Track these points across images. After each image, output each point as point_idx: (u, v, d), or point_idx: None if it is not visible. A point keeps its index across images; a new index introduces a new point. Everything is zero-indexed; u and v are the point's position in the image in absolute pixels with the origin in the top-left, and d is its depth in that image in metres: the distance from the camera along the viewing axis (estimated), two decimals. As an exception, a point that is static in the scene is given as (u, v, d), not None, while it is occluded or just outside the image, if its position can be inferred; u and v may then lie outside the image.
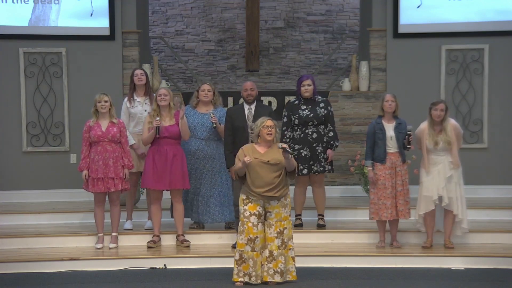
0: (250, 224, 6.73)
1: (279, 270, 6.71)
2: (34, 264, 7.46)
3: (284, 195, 6.78)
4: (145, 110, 8.24)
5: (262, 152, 6.75)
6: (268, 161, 6.68)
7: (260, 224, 6.76)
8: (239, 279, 6.74)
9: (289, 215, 6.85)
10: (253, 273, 6.72)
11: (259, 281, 6.73)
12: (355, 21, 12.70)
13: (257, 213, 6.74)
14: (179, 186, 7.80)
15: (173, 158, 7.75)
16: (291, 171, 6.79)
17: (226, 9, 12.95)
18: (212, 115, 7.91)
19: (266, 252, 6.73)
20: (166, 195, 8.00)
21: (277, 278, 6.72)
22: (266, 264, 6.72)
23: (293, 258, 6.81)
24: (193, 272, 7.34)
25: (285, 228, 6.76)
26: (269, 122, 6.75)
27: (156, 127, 7.69)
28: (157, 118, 7.72)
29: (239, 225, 6.82)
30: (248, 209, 6.76)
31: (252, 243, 6.72)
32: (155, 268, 7.44)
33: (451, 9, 9.94)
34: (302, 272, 7.15)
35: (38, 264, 7.46)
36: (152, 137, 7.76)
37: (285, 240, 6.75)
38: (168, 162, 7.74)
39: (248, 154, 6.73)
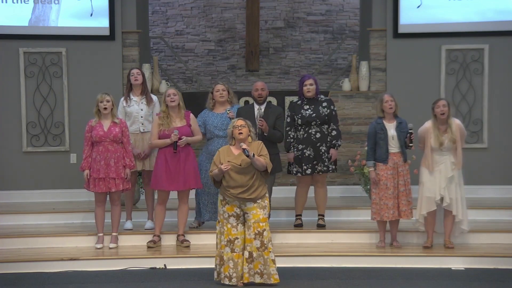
0: (229, 226, 6.75)
1: (258, 271, 6.68)
2: (34, 264, 7.47)
3: (261, 197, 6.75)
4: (141, 109, 8.25)
5: (236, 153, 6.76)
6: (239, 165, 6.68)
7: (239, 225, 6.77)
8: (220, 281, 6.77)
9: (267, 217, 6.78)
10: (234, 274, 6.72)
11: (239, 283, 6.72)
12: (355, 21, 12.70)
13: (235, 214, 6.76)
14: (193, 185, 7.80)
15: (185, 159, 7.74)
16: (264, 171, 6.75)
17: (226, 9, 12.95)
18: (229, 112, 7.91)
19: (246, 254, 6.71)
20: (170, 195, 7.99)
21: (258, 279, 6.68)
22: (247, 265, 6.69)
23: (273, 260, 6.74)
24: (193, 272, 7.34)
25: (264, 229, 6.70)
26: (240, 122, 6.80)
27: (174, 142, 7.66)
28: (175, 132, 7.66)
29: (220, 226, 6.83)
30: (226, 210, 6.78)
31: (232, 244, 6.72)
32: (155, 268, 7.45)
33: (451, 9, 9.94)
34: (302, 272, 7.16)
35: (38, 264, 7.46)
36: (164, 145, 7.73)
37: (265, 242, 6.69)
38: (181, 163, 7.72)
39: (223, 156, 6.77)
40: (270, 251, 6.72)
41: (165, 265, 7.48)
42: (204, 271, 7.31)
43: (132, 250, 7.80)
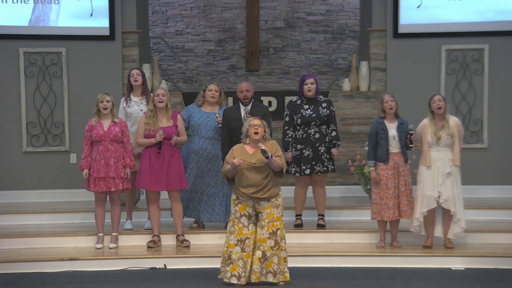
0: (240, 225, 6.74)
1: (272, 271, 6.68)
2: (34, 264, 7.46)
3: (275, 196, 6.75)
4: (141, 110, 8.24)
5: (250, 152, 6.74)
6: (254, 163, 6.68)
7: (251, 225, 6.76)
8: (225, 280, 6.74)
9: (282, 215, 6.81)
10: (243, 274, 6.71)
11: (248, 281, 6.70)
12: (355, 21, 12.70)
13: (247, 214, 6.75)
14: (176, 186, 7.79)
15: (169, 159, 7.74)
16: (278, 171, 6.75)
17: (226, 9, 12.95)
18: (217, 115, 7.92)
19: (259, 253, 6.70)
20: (164, 195, 7.99)
21: (270, 278, 6.69)
22: (260, 265, 6.69)
23: (284, 258, 6.77)
24: (193, 272, 7.34)
25: (278, 228, 6.73)
26: (256, 121, 6.77)
27: (159, 142, 7.67)
28: (160, 132, 7.67)
29: (230, 225, 6.82)
30: (239, 210, 6.76)
31: (242, 243, 6.71)
32: (155, 268, 7.45)
33: (451, 9, 9.95)
34: (302, 272, 7.15)
35: (38, 264, 7.46)
36: (149, 144, 7.75)
37: (278, 241, 6.72)
38: (165, 163, 7.72)
39: (237, 155, 6.73)
40: (282, 249, 6.74)
41: (165, 265, 7.48)
42: (204, 271, 7.31)
43: (132, 250, 7.80)
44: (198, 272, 7.32)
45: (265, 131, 6.78)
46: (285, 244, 6.79)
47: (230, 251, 6.73)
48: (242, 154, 6.73)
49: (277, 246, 6.70)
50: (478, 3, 9.92)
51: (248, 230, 6.73)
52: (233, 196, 6.82)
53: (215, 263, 7.46)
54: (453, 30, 9.93)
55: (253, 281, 6.70)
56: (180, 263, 7.54)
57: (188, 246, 7.82)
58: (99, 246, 7.85)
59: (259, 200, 6.69)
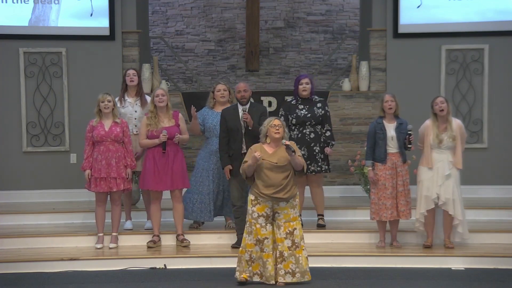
0: (258, 226, 6.74)
1: (290, 271, 6.71)
2: (34, 264, 7.47)
3: (293, 196, 6.78)
4: (135, 111, 8.25)
5: (270, 152, 6.76)
6: (276, 163, 6.69)
7: (268, 225, 6.77)
8: (247, 277, 6.74)
9: (298, 216, 6.85)
10: (264, 273, 6.73)
11: (272, 282, 6.72)
12: (355, 21, 12.70)
13: (265, 214, 6.76)
14: (181, 186, 7.80)
15: (174, 159, 7.75)
16: (299, 170, 6.78)
17: (226, 9, 12.95)
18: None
19: (277, 253, 6.73)
20: (165, 195, 8.00)
21: (288, 279, 6.72)
22: (277, 265, 6.73)
23: (306, 258, 6.81)
24: (193, 272, 7.34)
25: (295, 228, 6.76)
26: (277, 121, 6.80)
27: (163, 142, 7.67)
28: (164, 132, 7.68)
29: (247, 225, 6.82)
30: (256, 210, 6.76)
31: (261, 244, 6.73)
32: (155, 268, 7.45)
33: (451, 9, 9.94)
34: (302, 272, 7.17)
35: (38, 264, 7.47)
36: (153, 145, 7.74)
37: (296, 241, 6.74)
38: (169, 163, 7.73)
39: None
40: (303, 249, 6.76)
41: (165, 265, 7.49)
42: (204, 271, 7.32)
43: (132, 250, 7.80)
44: (198, 272, 7.32)
45: (284, 132, 6.81)
46: (304, 243, 6.81)
47: (251, 251, 6.75)
48: (262, 153, 6.74)
49: (294, 246, 6.73)
50: (478, 3, 9.91)
51: (266, 230, 6.75)
52: (251, 197, 6.82)
53: (215, 263, 7.49)
54: (453, 30, 9.93)
55: (276, 281, 6.73)
56: (180, 263, 7.54)
57: (188, 246, 7.82)
58: (99, 246, 7.85)
59: (278, 200, 6.71)
